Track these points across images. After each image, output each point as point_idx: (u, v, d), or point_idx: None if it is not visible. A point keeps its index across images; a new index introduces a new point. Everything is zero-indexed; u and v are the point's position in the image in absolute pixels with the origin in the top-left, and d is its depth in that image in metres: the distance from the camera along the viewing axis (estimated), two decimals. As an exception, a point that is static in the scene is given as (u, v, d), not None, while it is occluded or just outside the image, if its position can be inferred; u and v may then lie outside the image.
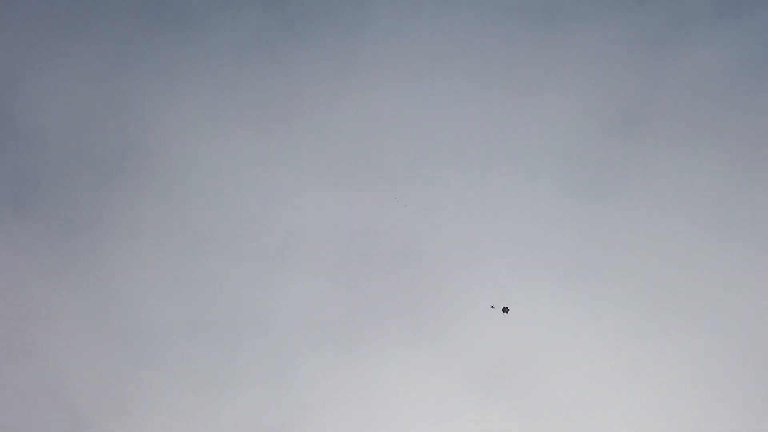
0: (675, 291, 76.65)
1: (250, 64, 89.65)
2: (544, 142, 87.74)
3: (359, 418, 74.75)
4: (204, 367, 75.80)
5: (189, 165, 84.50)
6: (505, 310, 70.34)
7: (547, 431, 74.19)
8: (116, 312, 76.98)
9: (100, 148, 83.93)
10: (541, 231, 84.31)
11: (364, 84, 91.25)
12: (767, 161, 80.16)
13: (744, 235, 78.05)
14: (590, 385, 75.16)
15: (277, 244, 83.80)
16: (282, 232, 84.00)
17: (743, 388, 71.91)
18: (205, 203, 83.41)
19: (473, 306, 79.28)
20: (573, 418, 74.09)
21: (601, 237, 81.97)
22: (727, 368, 73.03)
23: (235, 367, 76.43)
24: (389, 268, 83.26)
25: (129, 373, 74.92)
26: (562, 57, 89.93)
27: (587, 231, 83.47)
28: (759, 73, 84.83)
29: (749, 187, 79.64)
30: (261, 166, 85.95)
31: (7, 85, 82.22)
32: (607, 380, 75.12)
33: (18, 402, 72.00)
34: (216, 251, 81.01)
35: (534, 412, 74.89)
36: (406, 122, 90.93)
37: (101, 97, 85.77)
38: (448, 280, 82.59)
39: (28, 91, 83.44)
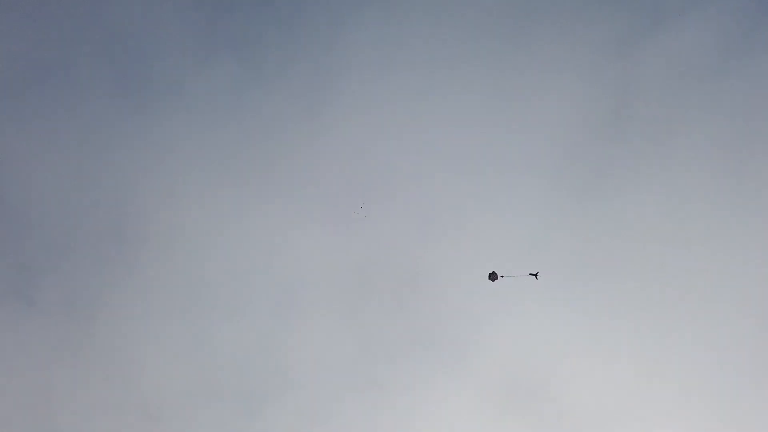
0: (677, 285, 75.49)
1: (229, 116, 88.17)
2: (536, 150, 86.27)
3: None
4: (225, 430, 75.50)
5: (183, 226, 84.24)
6: (493, 276, 68.86)
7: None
8: (131, 383, 76.65)
9: (95, 220, 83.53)
10: (541, 237, 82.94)
11: (343, 120, 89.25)
12: (752, 146, 79.02)
13: (738, 222, 76.88)
14: (605, 389, 73.95)
15: (282, 291, 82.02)
16: (285, 279, 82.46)
17: (751, 380, 70.73)
18: (204, 262, 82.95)
19: (484, 322, 78.21)
20: (592, 425, 73.00)
21: (601, 237, 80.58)
22: (736, 359, 71.92)
23: (258, 427, 75.94)
24: (396, 295, 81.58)
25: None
26: (545, 61, 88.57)
27: (587, 232, 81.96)
28: (735, 56, 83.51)
29: (738, 171, 78.41)
30: (253, 215, 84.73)
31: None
32: (620, 381, 73.86)
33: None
34: (223, 309, 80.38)
35: (555, 424, 73.91)
36: (391, 142, 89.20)
37: (87, 170, 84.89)
38: (455, 299, 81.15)
39: (15, 176, 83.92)
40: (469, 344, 77.43)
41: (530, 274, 67.32)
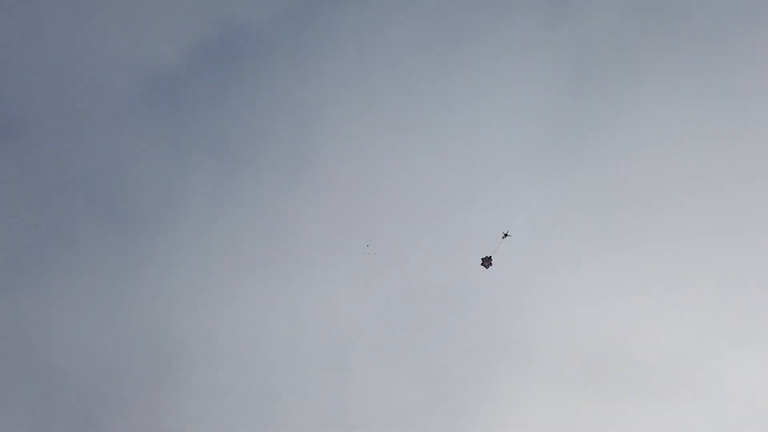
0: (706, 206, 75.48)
1: (220, 209, 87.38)
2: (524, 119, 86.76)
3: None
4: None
5: (221, 329, 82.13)
6: (486, 262, 68.45)
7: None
8: None
9: (137, 356, 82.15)
10: (554, 215, 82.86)
11: (330, 165, 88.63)
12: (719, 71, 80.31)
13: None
14: (674, 329, 73.50)
15: (336, 356, 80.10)
16: (335, 342, 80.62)
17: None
18: (254, 356, 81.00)
19: (533, 309, 77.22)
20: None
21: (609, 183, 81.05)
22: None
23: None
24: (440, 315, 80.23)
25: None
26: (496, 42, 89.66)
27: (592, 179, 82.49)
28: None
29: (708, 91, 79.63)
30: (279, 294, 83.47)
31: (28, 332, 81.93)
32: (689, 314, 73.41)
33: None
34: (287, 394, 78.77)
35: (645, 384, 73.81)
36: (386, 146, 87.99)
37: (105, 311, 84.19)
38: (497, 296, 79.49)
39: (44, 332, 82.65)
40: (530, 337, 76.39)
41: (503, 236, 67.14)
